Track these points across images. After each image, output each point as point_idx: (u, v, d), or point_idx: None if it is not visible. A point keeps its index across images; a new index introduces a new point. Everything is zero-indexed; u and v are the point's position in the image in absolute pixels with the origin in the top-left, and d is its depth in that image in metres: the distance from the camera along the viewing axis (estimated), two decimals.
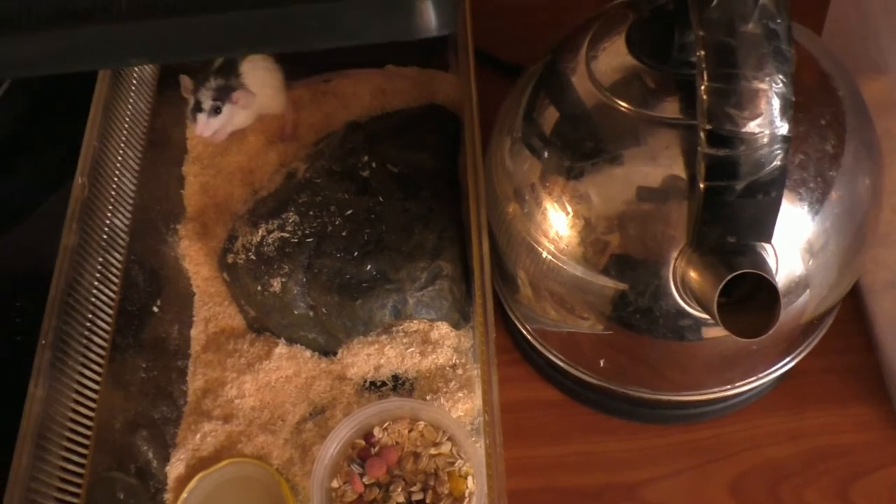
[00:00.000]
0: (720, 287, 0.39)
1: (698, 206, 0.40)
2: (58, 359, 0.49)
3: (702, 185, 0.39)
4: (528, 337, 0.58)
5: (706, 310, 0.41)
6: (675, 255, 0.43)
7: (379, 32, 0.35)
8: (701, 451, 0.58)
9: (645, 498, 0.57)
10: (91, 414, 0.52)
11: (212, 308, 0.66)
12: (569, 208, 0.47)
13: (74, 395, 0.50)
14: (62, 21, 0.35)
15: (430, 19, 0.35)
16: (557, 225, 0.48)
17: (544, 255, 0.49)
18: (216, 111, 0.66)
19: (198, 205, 0.69)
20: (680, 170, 0.43)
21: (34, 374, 0.48)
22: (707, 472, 0.58)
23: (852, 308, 0.62)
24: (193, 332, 0.65)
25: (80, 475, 0.49)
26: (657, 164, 0.44)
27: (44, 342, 0.49)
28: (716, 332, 0.46)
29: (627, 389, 0.55)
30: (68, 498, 0.48)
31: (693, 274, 0.42)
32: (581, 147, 0.47)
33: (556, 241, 0.48)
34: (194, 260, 0.67)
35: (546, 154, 0.49)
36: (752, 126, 0.37)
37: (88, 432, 0.51)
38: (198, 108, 0.66)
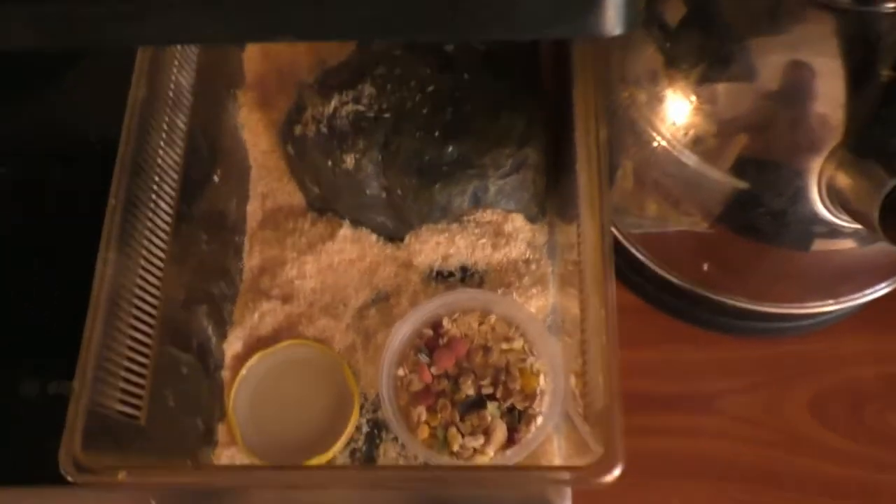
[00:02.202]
0: (886, 192, 0.35)
1: (870, 101, 0.36)
2: (127, 221, 0.46)
3: (885, 74, 0.35)
4: (614, 231, 0.55)
5: (859, 216, 0.38)
6: (823, 155, 0.40)
7: (559, 28, 0.31)
8: (781, 367, 0.57)
9: (720, 409, 0.56)
10: (157, 283, 0.49)
11: (269, 183, 0.62)
12: (693, 98, 0.44)
13: (142, 262, 0.47)
14: None
15: (615, 18, 0.30)
16: (678, 114, 0.44)
17: (658, 143, 0.45)
18: None
19: (259, 71, 0.64)
20: (838, 60, 0.39)
21: (104, 238, 0.44)
22: (786, 388, 0.56)
23: None
24: (249, 208, 0.61)
25: (149, 336, 0.47)
26: (811, 53, 0.40)
27: (114, 201, 0.45)
28: (843, 243, 0.43)
29: (716, 295, 0.52)
30: (138, 359, 0.46)
31: (845, 178, 0.38)
32: (720, 29, 0.43)
33: (676, 130, 0.44)
34: (253, 131, 0.63)
35: (672, 40, 0.44)
36: None
37: (156, 298, 0.48)
38: None
